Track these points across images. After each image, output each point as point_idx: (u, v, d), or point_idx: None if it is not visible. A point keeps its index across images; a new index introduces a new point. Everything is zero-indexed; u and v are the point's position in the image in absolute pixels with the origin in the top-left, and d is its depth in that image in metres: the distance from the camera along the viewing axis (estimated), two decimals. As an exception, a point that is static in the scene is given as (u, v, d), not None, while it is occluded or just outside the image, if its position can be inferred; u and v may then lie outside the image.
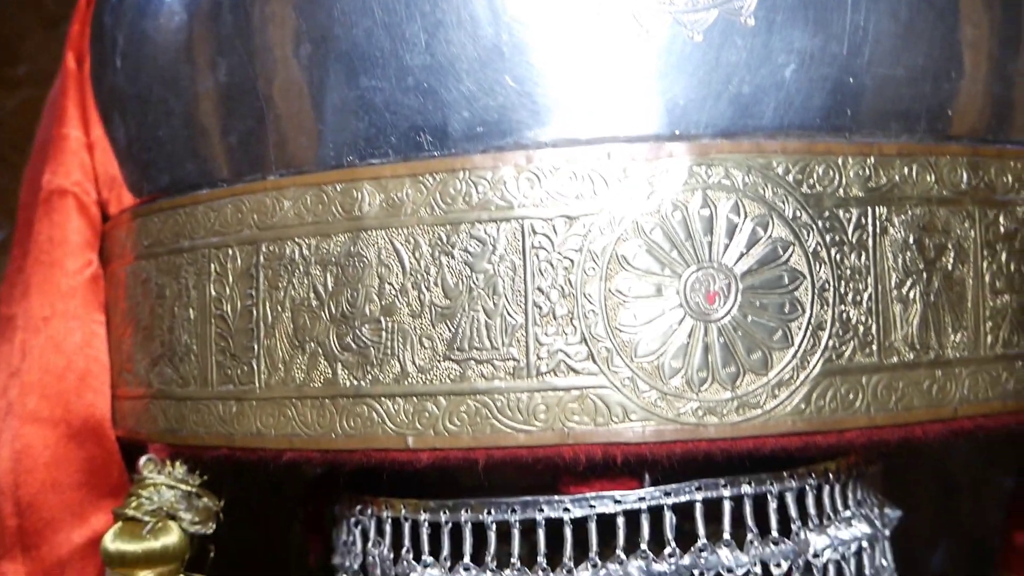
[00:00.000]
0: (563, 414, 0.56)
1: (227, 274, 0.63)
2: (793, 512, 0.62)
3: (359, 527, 0.68)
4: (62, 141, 0.76)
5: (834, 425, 0.56)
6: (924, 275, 0.58)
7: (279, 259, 0.61)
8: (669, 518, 0.59)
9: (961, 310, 0.59)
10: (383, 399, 0.58)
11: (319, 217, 0.60)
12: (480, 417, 0.56)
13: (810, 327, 0.56)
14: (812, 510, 0.62)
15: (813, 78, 0.57)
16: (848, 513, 0.63)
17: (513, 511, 0.60)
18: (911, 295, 0.58)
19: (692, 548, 0.59)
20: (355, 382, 0.58)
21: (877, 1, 0.57)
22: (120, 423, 0.74)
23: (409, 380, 0.57)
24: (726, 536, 0.60)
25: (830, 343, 0.56)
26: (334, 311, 0.59)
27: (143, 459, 0.68)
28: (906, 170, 0.58)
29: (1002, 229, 0.61)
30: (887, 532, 0.66)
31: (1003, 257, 0.61)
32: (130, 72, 0.70)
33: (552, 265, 0.56)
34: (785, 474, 0.62)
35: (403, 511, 0.64)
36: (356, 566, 0.69)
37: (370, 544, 0.67)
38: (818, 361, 0.56)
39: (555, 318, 0.56)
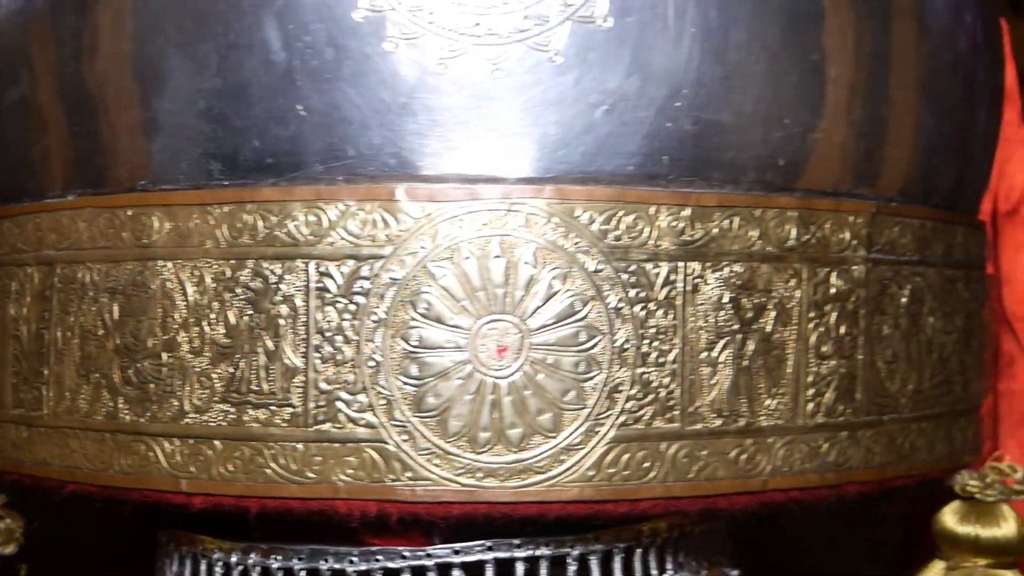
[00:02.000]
0: (338, 467, 0.52)
1: (25, 294, 0.60)
2: None
3: (169, 558, 0.66)
4: None
5: (626, 494, 0.53)
6: (738, 337, 0.55)
7: (71, 283, 0.58)
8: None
9: (779, 375, 0.56)
10: (160, 438, 0.55)
11: (110, 242, 0.57)
12: (255, 464, 0.53)
13: (606, 389, 0.53)
14: (618, 574, 0.59)
15: (627, 121, 0.53)
16: (662, 577, 0.60)
17: (300, 558, 0.58)
18: (721, 358, 0.54)
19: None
20: (134, 418, 0.55)
21: (701, 41, 0.53)
22: None
23: (186, 420, 0.54)
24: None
25: (627, 406, 0.53)
26: (119, 342, 0.56)
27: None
28: (726, 223, 0.55)
29: (833, 289, 0.57)
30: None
31: (832, 319, 0.57)
32: None
33: (336, 309, 0.52)
34: (591, 536, 0.59)
35: (201, 548, 0.62)
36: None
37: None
38: (612, 426, 0.53)
39: (336, 365, 0.52)
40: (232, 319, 0.54)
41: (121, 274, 0.56)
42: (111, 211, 0.57)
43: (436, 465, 0.52)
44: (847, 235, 0.58)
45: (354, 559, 0.57)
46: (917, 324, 0.62)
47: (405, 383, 0.52)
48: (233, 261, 0.53)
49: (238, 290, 0.53)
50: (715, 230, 0.54)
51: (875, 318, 0.59)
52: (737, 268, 0.55)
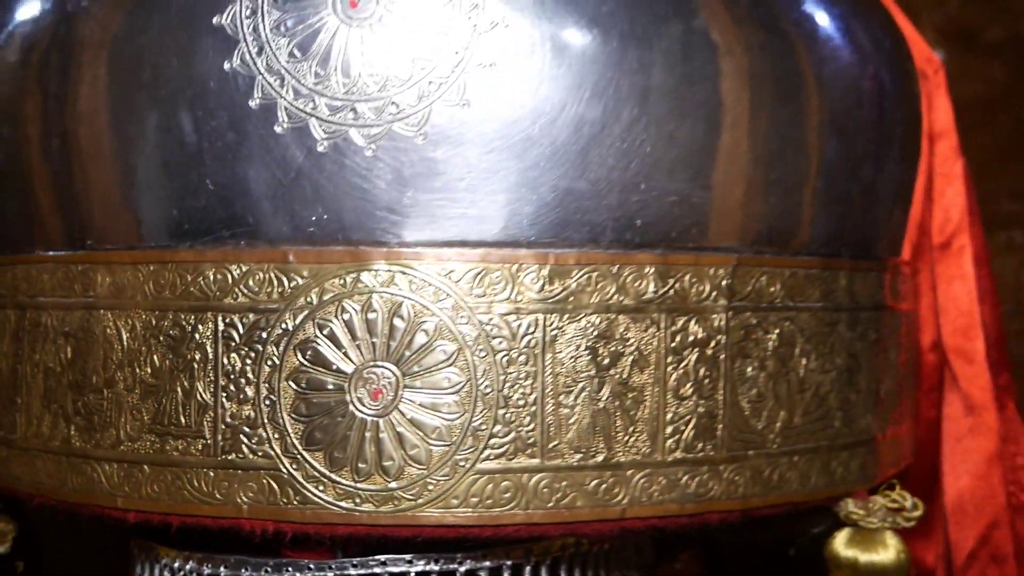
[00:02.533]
0: (241, 491, 0.61)
1: (4, 333, 0.71)
2: None
3: (137, 563, 0.76)
4: None
5: (488, 521, 0.60)
6: (595, 381, 0.61)
7: (37, 326, 0.68)
8: (359, 588, 0.65)
9: (637, 415, 0.62)
10: (102, 462, 0.64)
11: (65, 292, 0.66)
12: (175, 487, 0.62)
13: (470, 428, 0.59)
14: (507, 589, 0.66)
15: (489, 191, 0.60)
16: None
17: (225, 566, 0.66)
18: (578, 400, 0.61)
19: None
20: (82, 444, 0.65)
21: (553, 121, 0.60)
22: None
23: (122, 447, 0.64)
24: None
25: (490, 443, 0.60)
26: (71, 378, 0.66)
27: (-54, 487, 0.77)
28: (584, 279, 0.61)
29: (692, 336, 0.63)
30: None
31: (691, 363, 0.63)
32: None
33: (239, 355, 0.61)
34: (480, 553, 0.66)
35: (155, 555, 0.71)
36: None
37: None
38: (476, 460, 0.59)
39: (239, 404, 0.61)
40: (157, 362, 0.63)
41: (73, 320, 0.66)
42: (66, 266, 0.66)
43: (321, 491, 0.60)
44: (707, 287, 0.63)
45: (268, 569, 0.65)
46: (786, 365, 0.67)
47: (296, 420, 0.60)
48: (157, 312, 0.62)
49: (161, 337, 0.62)
50: (573, 285, 0.61)
51: (737, 361, 0.64)
52: (594, 319, 0.61)
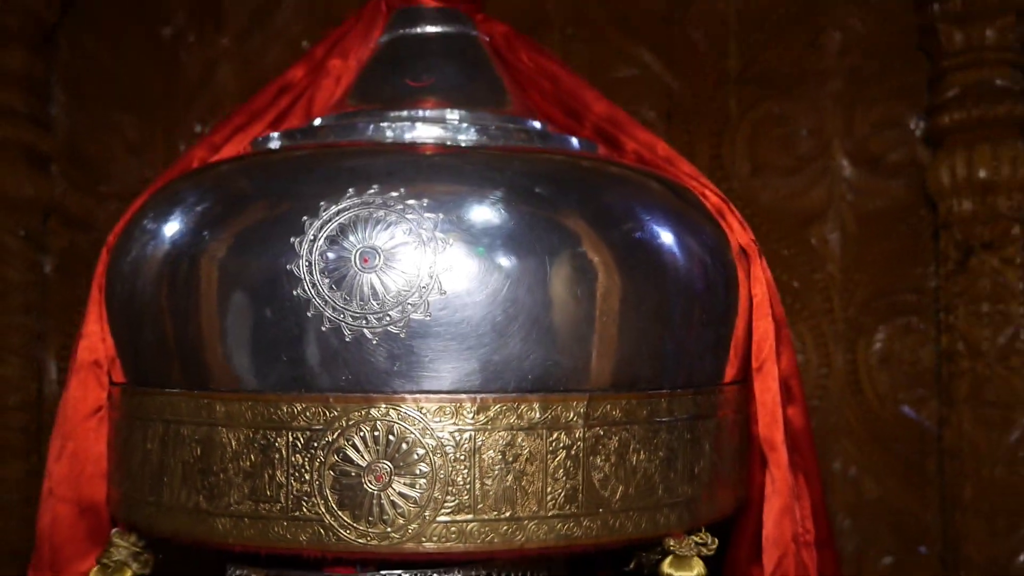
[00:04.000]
0: (301, 534, 1.05)
1: (155, 438, 1.15)
2: None
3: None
4: (87, 335, 1.30)
5: (443, 550, 1.04)
6: (503, 470, 1.05)
7: (178, 435, 1.12)
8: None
9: (529, 489, 1.06)
10: (219, 517, 1.09)
11: (195, 416, 1.11)
12: (263, 532, 1.07)
13: (432, 497, 1.04)
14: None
15: (445, 361, 1.04)
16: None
17: (287, 579, 1.10)
18: (494, 481, 1.05)
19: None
20: (207, 506, 1.09)
21: (480, 323, 1.04)
22: (110, 506, 1.27)
23: (231, 508, 1.08)
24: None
25: (444, 506, 1.04)
26: (200, 467, 1.10)
27: (113, 531, 1.21)
28: (498, 410, 1.05)
29: (562, 443, 1.07)
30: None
31: (562, 458, 1.07)
32: (122, 307, 1.23)
33: (300, 456, 1.05)
34: (445, 569, 1.09)
35: (241, 572, 1.14)
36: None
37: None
38: (435, 516, 1.04)
39: (300, 483, 1.05)
40: (253, 458, 1.07)
41: (201, 432, 1.10)
42: (197, 399, 1.11)
43: (348, 534, 1.04)
44: (571, 413, 1.08)
45: (314, 580, 1.09)
46: (624, 458, 1.10)
47: (333, 492, 1.05)
48: (253, 429, 1.07)
49: (256, 444, 1.07)
50: (492, 414, 1.05)
51: (591, 456, 1.08)
52: (504, 435, 1.06)
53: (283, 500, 1.06)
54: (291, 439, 1.06)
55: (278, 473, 1.06)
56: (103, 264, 1.31)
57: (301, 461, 1.06)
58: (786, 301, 2.36)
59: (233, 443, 1.09)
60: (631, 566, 1.20)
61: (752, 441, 1.34)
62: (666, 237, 1.17)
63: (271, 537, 1.06)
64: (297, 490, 1.05)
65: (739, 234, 1.34)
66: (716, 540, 1.16)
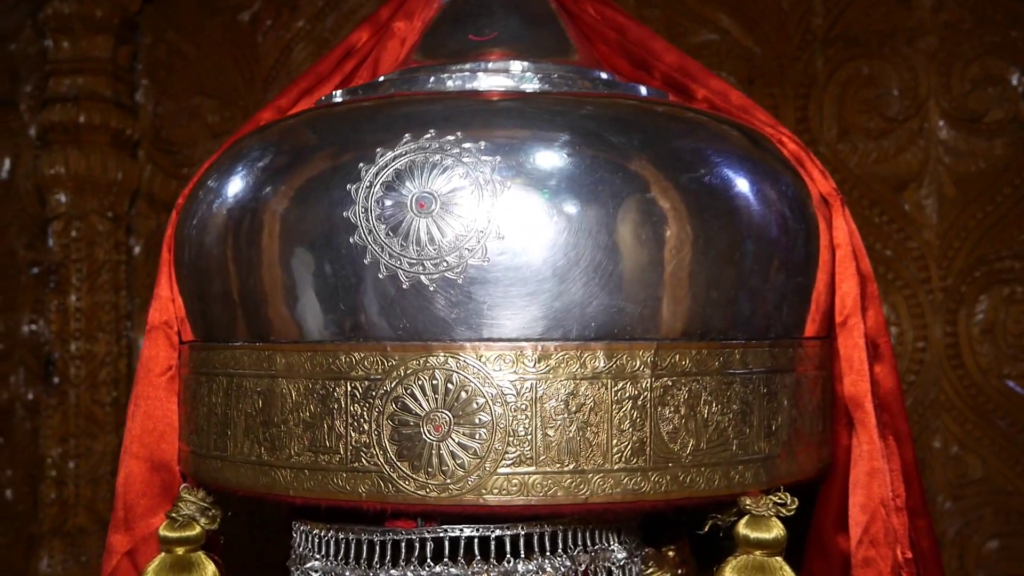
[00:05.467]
0: (361, 485, 1.03)
1: (220, 391, 1.15)
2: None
3: (298, 536, 1.19)
4: (158, 297, 1.31)
5: (504, 503, 1.00)
6: (566, 420, 1.01)
7: (240, 388, 1.12)
8: (430, 544, 1.05)
9: (594, 438, 1.01)
10: (280, 469, 1.08)
11: (257, 368, 1.10)
12: (323, 483, 1.05)
13: (492, 448, 1.00)
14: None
15: (505, 309, 1.01)
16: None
17: (352, 532, 1.08)
18: (556, 433, 1.01)
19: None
20: (269, 457, 1.09)
21: (541, 267, 1.00)
22: (181, 463, 1.28)
23: (292, 460, 1.07)
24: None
25: (505, 457, 1.00)
26: (262, 419, 1.10)
27: (181, 486, 1.22)
28: (560, 359, 1.01)
29: (628, 393, 1.02)
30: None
31: (627, 409, 1.01)
32: (189, 265, 1.23)
33: (360, 405, 1.03)
34: (507, 525, 1.05)
35: (307, 526, 1.13)
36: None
37: (299, 545, 1.17)
38: (496, 468, 1.01)
39: (359, 434, 1.03)
40: (313, 409, 1.06)
41: (262, 384, 1.10)
42: (258, 351, 1.11)
43: (407, 485, 1.02)
44: (637, 362, 1.03)
45: (378, 533, 1.08)
46: (694, 410, 1.05)
47: (392, 443, 1.02)
48: (313, 380, 1.06)
49: (315, 395, 1.05)
50: (552, 363, 1.01)
51: (659, 408, 1.03)
52: (566, 383, 1.01)
53: (342, 451, 1.04)
54: (349, 389, 1.04)
55: (337, 423, 1.04)
56: (172, 226, 1.32)
57: (360, 411, 1.04)
58: (878, 271, 2.26)
59: (293, 394, 1.07)
60: (705, 529, 1.15)
61: (837, 401, 1.27)
62: (740, 183, 1.11)
63: (331, 489, 1.04)
64: (356, 441, 1.04)
65: (820, 183, 1.27)
66: (796, 501, 1.10)
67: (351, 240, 1.04)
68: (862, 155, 2.32)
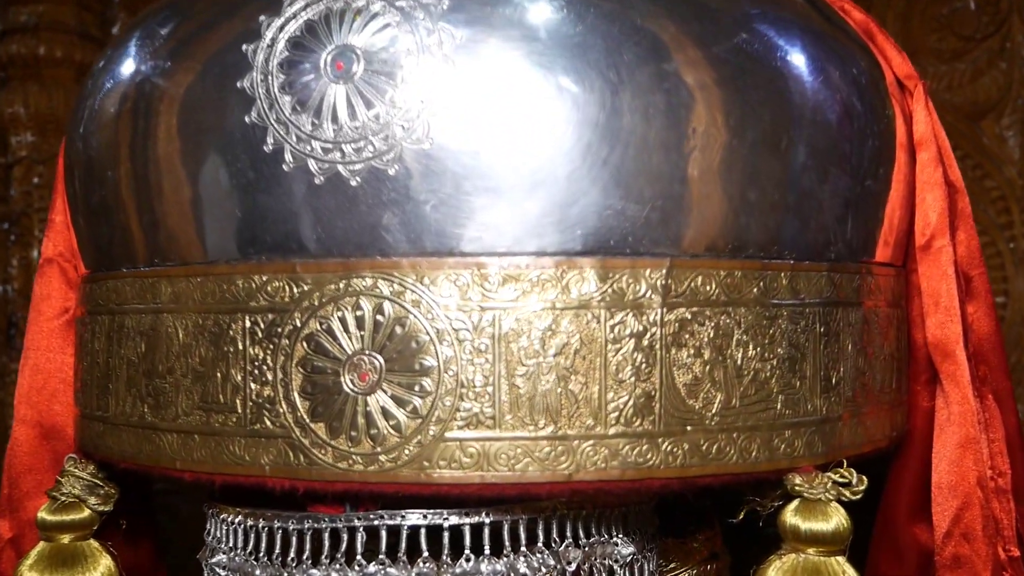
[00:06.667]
0: (264, 455, 0.76)
1: (102, 335, 0.89)
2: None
3: (208, 520, 0.92)
4: (52, 223, 1.05)
5: (452, 480, 0.72)
6: (541, 366, 0.72)
7: (122, 328, 0.86)
8: (361, 536, 0.78)
9: (582, 392, 0.73)
10: (165, 433, 0.81)
11: (140, 301, 0.84)
12: (217, 452, 0.78)
13: (438, 405, 0.72)
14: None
15: (457, 211, 0.72)
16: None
17: (264, 519, 0.82)
18: (527, 383, 0.72)
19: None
20: (153, 419, 0.82)
21: (504, 154, 0.72)
22: (76, 430, 1.02)
23: (179, 421, 0.80)
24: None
25: (455, 416, 0.72)
26: (145, 368, 0.83)
27: (67, 458, 0.96)
28: (534, 281, 0.72)
29: (630, 328, 0.73)
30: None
31: (629, 349, 0.73)
32: (79, 175, 0.97)
33: (261, 347, 0.76)
34: (466, 511, 0.78)
35: (218, 511, 0.87)
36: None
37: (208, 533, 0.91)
38: (443, 431, 0.72)
39: (261, 385, 0.76)
40: (203, 353, 0.79)
41: (145, 322, 0.83)
42: (141, 279, 0.84)
43: (323, 455, 0.74)
44: (643, 286, 0.74)
45: (294, 520, 0.80)
46: (723, 354, 0.76)
47: (304, 398, 0.75)
48: (203, 314, 0.79)
49: (206, 334, 0.79)
50: (525, 286, 0.73)
51: (673, 350, 0.74)
52: (542, 315, 0.73)
53: (240, 409, 0.77)
54: (248, 325, 0.77)
55: (233, 372, 0.77)
56: (63, 145, 1.06)
57: (261, 355, 0.77)
58: (950, 215, 1.94)
59: (180, 334, 0.81)
60: (739, 517, 0.86)
61: (916, 351, 0.97)
62: (793, 53, 0.81)
63: (225, 460, 0.77)
64: (257, 395, 0.77)
65: (896, 62, 0.97)
66: (864, 480, 0.81)
67: (247, 120, 0.76)
68: (932, 80, 2.00)
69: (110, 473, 0.95)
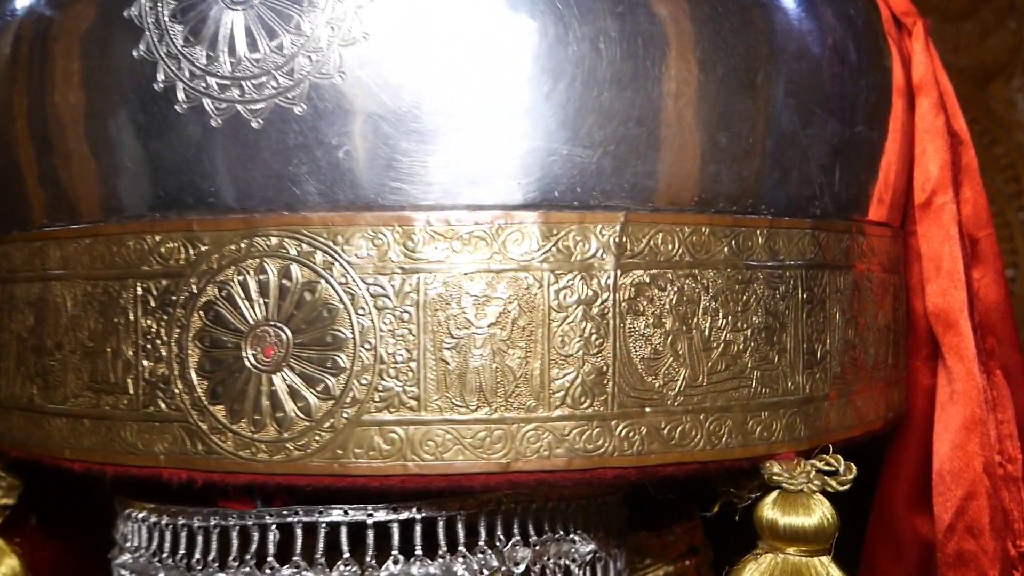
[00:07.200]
0: (159, 442, 0.66)
1: (-9, 306, 0.79)
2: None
3: (118, 516, 0.83)
4: None
5: (370, 471, 0.62)
6: (475, 338, 0.62)
7: (12, 299, 0.76)
8: (273, 535, 0.68)
9: (521, 368, 0.63)
10: (54, 417, 0.71)
11: (29, 267, 0.74)
12: (108, 439, 0.68)
13: (350, 383, 0.62)
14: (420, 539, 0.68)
15: (367, 158, 0.62)
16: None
17: (168, 515, 0.72)
18: (458, 356, 0.62)
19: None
20: (41, 401, 0.72)
21: (426, 90, 0.62)
22: None
23: (68, 403, 0.70)
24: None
25: (373, 397, 0.62)
26: (33, 343, 0.73)
27: (-38, 446, 0.86)
28: (461, 236, 0.62)
29: (577, 293, 0.63)
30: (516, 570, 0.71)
31: (577, 318, 0.63)
32: None
33: (155, 318, 0.66)
34: (394, 506, 0.68)
35: (125, 506, 0.78)
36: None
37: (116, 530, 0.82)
38: (358, 414, 0.62)
39: (155, 362, 0.66)
40: (92, 326, 0.69)
41: (34, 291, 0.73)
42: (30, 243, 0.74)
43: (223, 442, 0.64)
44: (592, 243, 0.64)
45: (200, 517, 0.70)
46: (688, 323, 0.66)
47: (201, 376, 0.65)
48: (91, 281, 0.69)
49: (95, 303, 0.69)
50: (456, 245, 0.62)
51: (629, 319, 0.64)
52: (475, 277, 0.63)
53: (132, 390, 0.67)
54: (140, 292, 0.67)
55: (124, 347, 0.67)
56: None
57: (154, 327, 0.67)
58: (956, 184, 1.84)
59: (68, 304, 0.71)
60: (714, 509, 0.76)
61: (915, 322, 0.87)
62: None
63: (117, 448, 0.67)
64: (150, 373, 0.66)
65: (894, 1, 0.86)
66: (853, 469, 0.71)
67: (135, 54, 0.66)
68: (937, 41, 1.90)
69: (10, 462, 0.86)
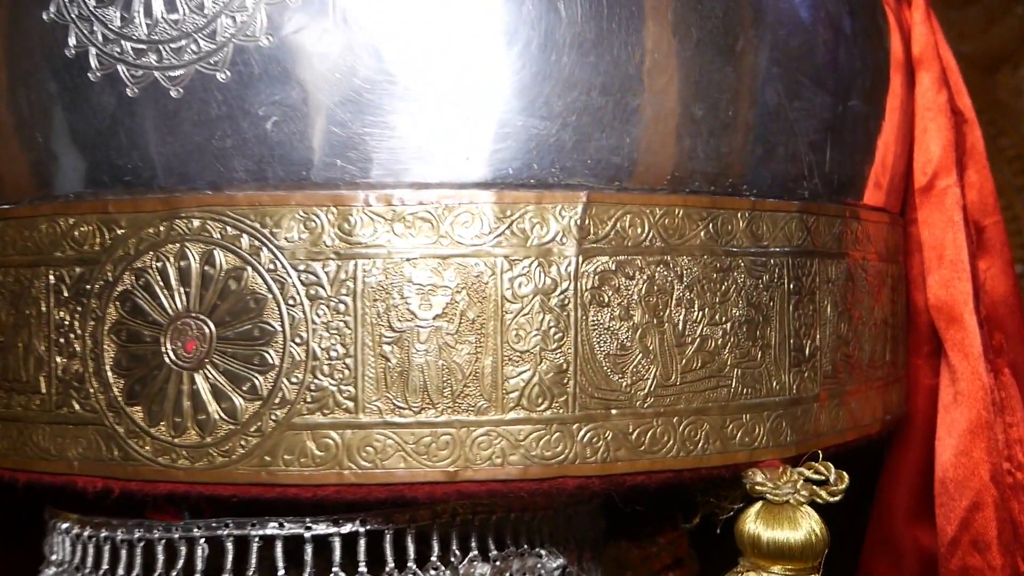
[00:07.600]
0: (72, 446, 0.60)
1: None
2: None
3: (48, 530, 0.76)
4: None
5: (301, 480, 0.56)
6: (419, 331, 0.56)
7: (-75, 290, 0.70)
8: (202, 549, 0.62)
9: (470, 364, 0.56)
10: (-35, 419, 0.65)
11: (-60, 255, 0.68)
12: (19, 442, 0.62)
13: (279, 382, 0.56)
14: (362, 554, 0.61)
15: (295, 131, 0.56)
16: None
17: (91, 527, 0.65)
18: (400, 352, 0.56)
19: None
20: (-49, 402, 0.66)
21: (363, 56, 0.55)
22: None
23: (-22, 405, 0.64)
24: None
25: (304, 398, 0.56)
26: (-55, 338, 0.67)
27: None
28: (404, 218, 0.56)
29: (535, 282, 0.56)
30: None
31: (534, 309, 0.56)
32: None
33: (68, 310, 0.60)
34: (336, 518, 0.61)
35: (54, 518, 0.71)
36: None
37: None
38: (288, 417, 0.56)
39: (68, 358, 0.60)
40: (3, 318, 0.63)
41: (-55, 282, 0.67)
42: (-58, 229, 0.68)
43: (141, 446, 0.58)
44: (552, 226, 0.57)
45: (125, 529, 0.63)
46: (659, 315, 0.59)
47: (118, 374, 0.59)
48: (2, 269, 0.62)
49: (6, 293, 0.62)
50: (398, 227, 0.56)
51: (593, 310, 0.58)
52: (419, 263, 0.56)
53: (44, 388, 0.60)
54: (52, 281, 0.60)
55: (36, 342, 0.61)
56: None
57: (68, 319, 0.60)
58: (962, 177, 1.79)
59: (-21, 293, 0.65)
60: (695, 520, 0.70)
61: (916, 316, 0.81)
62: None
63: (28, 453, 0.61)
64: (63, 370, 0.60)
65: (892, -32, 0.80)
66: (846, 478, 0.65)
67: (44, 17, 0.60)
68: (941, 28, 1.85)
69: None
